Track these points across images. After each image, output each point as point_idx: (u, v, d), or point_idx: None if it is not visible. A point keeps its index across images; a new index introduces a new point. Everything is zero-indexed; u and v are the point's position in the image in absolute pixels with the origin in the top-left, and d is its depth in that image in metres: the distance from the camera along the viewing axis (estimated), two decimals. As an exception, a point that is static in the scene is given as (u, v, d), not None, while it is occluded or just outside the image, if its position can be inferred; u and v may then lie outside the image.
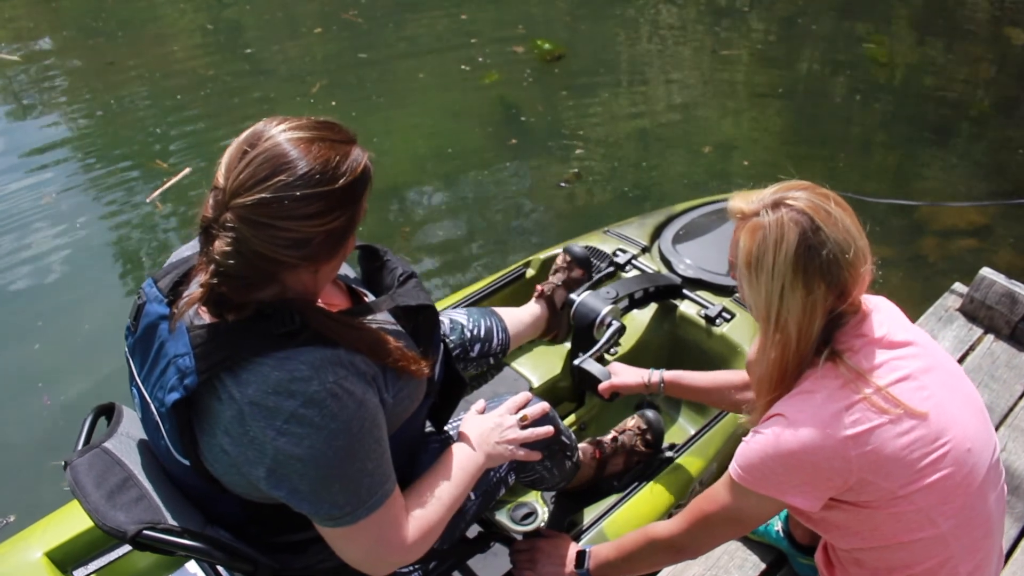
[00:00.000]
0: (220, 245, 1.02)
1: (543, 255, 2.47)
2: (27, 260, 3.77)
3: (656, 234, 2.50)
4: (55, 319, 3.40)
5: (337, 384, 1.06)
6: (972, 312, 2.44)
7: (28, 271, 3.71)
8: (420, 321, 1.29)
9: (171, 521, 1.16)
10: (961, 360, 2.30)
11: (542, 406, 1.51)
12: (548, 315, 2.19)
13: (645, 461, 1.98)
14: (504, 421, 1.44)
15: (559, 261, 2.30)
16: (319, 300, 1.20)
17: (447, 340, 1.84)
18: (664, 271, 2.32)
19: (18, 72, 5.63)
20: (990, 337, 2.38)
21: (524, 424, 1.46)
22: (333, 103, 5.05)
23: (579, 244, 2.42)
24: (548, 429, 1.49)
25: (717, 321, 2.14)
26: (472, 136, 4.68)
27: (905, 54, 5.80)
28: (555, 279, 2.25)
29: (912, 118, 4.88)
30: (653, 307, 2.25)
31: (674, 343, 2.24)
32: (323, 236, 1.06)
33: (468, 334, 1.92)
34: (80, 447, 1.29)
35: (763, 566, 1.74)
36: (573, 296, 2.08)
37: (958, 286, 2.56)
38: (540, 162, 4.43)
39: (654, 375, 1.84)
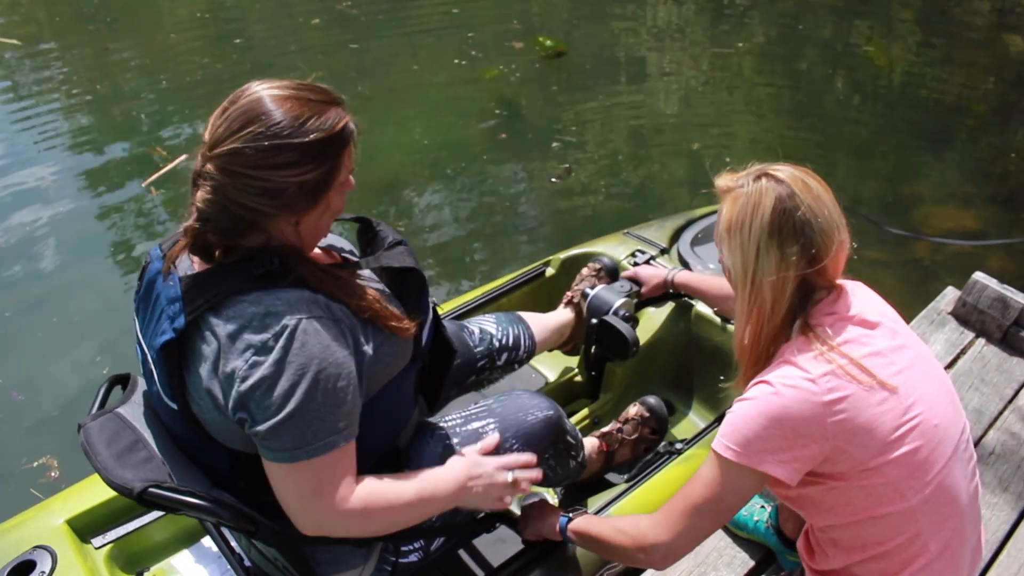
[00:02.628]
0: (202, 194, 1.10)
1: (563, 255, 2.48)
2: (23, 242, 3.77)
3: (675, 236, 2.52)
4: (48, 301, 3.41)
5: (308, 322, 1.10)
6: (964, 316, 2.45)
7: (24, 253, 3.71)
8: (407, 284, 1.32)
9: (177, 483, 1.19)
10: (952, 363, 2.31)
11: (534, 475, 1.44)
12: (575, 322, 2.19)
13: (652, 448, 1.99)
14: (496, 476, 1.38)
15: (587, 270, 2.29)
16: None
17: (475, 350, 1.85)
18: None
19: (17, 55, 5.61)
20: (981, 341, 2.39)
21: (515, 484, 1.40)
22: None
23: (603, 244, 2.43)
24: (536, 475, 1.45)
25: (732, 321, 2.15)
26: (469, 131, 4.68)
27: (904, 58, 5.82)
28: (583, 287, 2.23)
29: (909, 121, 4.89)
30: (670, 305, 2.26)
31: (689, 341, 2.25)
32: (295, 187, 1.11)
33: (496, 343, 1.91)
34: (94, 411, 1.33)
35: (752, 563, 1.75)
36: (588, 290, 2.14)
37: (950, 290, 2.57)
38: (538, 158, 4.43)
39: (669, 273, 2.13)
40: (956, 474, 1.22)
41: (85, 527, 1.70)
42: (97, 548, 1.68)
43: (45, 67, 5.49)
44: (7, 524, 1.70)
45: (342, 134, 1.14)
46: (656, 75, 5.52)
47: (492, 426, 1.50)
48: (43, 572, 1.56)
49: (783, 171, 1.21)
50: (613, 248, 2.43)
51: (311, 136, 1.09)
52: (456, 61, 5.42)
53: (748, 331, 1.25)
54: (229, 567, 1.65)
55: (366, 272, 1.30)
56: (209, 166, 1.10)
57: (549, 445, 1.56)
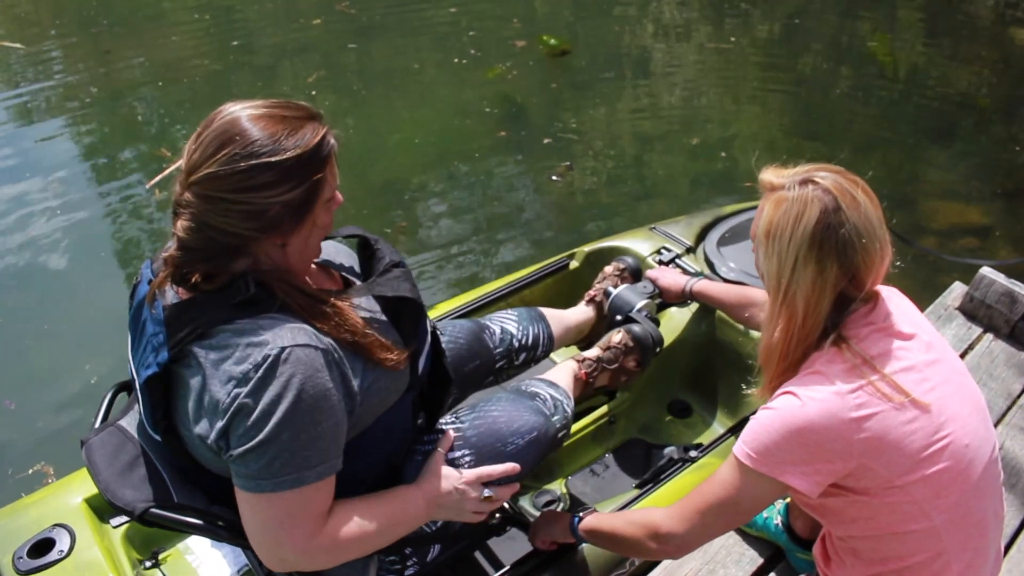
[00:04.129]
0: (182, 223, 1.07)
1: (588, 248, 2.47)
2: (20, 247, 3.77)
3: (702, 235, 2.49)
4: (53, 305, 3.41)
5: (291, 351, 1.06)
6: (972, 311, 2.44)
7: (20, 258, 3.71)
8: (403, 311, 1.27)
9: (177, 499, 1.18)
10: (960, 358, 2.31)
11: (510, 488, 1.40)
12: (595, 320, 2.17)
13: (632, 380, 2.00)
14: (467, 492, 1.33)
15: (610, 268, 2.26)
16: (306, 279, 1.21)
17: (494, 351, 1.83)
18: (707, 272, 2.31)
19: (20, 58, 5.63)
20: (989, 336, 2.38)
21: (488, 500, 1.36)
22: (329, 93, 5.04)
23: (628, 239, 2.42)
24: (514, 487, 1.41)
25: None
26: (471, 130, 4.67)
27: (908, 52, 5.79)
28: (604, 285, 2.20)
29: (914, 116, 4.87)
30: (693, 307, 2.24)
31: (711, 343, 2.23)
32: (278, 208, 1.08)
33: (516, 343, 1.88)
34: (98, 424, 1.32)
35: (761, 561, 1.74)
36: (611, 289, 2.14)
37: (958, 285, 2.56)
38: (540, 156, 4.42)
39: (688, 282, 2.12)
40: (983, 494, 1.19)
41: (104, 506, 1.70)
42: (115, 528, 1.69)
43: (48, 70, 5.50)
44: (27, 500, 1.71)
45: (320, 149, 1.10)
46: (661, 72, 5.51)
47: (468, 458, 1.41)
48: (62, 550, 1.57)
49: (831, 179, 1.16)
50: (639, 243, 2.41)
51: (288, 153, 1.06)
52: (457, 60, 5.41)
53: (777, 339, 1.21)
54: (242, 550, 1.65)
55: (362, 299, 1.25)
56: (187, 194, 1.07)
57: (540, 457, 1.51)
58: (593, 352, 1.97)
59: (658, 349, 2.05)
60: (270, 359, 1.05)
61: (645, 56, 5.76)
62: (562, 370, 1.87)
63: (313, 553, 1.13)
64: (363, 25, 5.99)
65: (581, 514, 1.52)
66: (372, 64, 5.48)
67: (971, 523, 1.19)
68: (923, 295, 2.70)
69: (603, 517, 1.48)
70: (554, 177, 4.24)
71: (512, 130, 4.65)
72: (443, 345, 1.45)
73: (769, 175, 1.21)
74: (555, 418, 1.55)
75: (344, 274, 1.36)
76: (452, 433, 1.40)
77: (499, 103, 4.92)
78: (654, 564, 1.72)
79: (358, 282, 1.36)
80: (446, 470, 1.33)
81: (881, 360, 1.15)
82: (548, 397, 1.59)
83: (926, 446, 1.13)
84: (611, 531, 1.42)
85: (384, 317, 1.26)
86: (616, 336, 1.98)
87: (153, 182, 4.15)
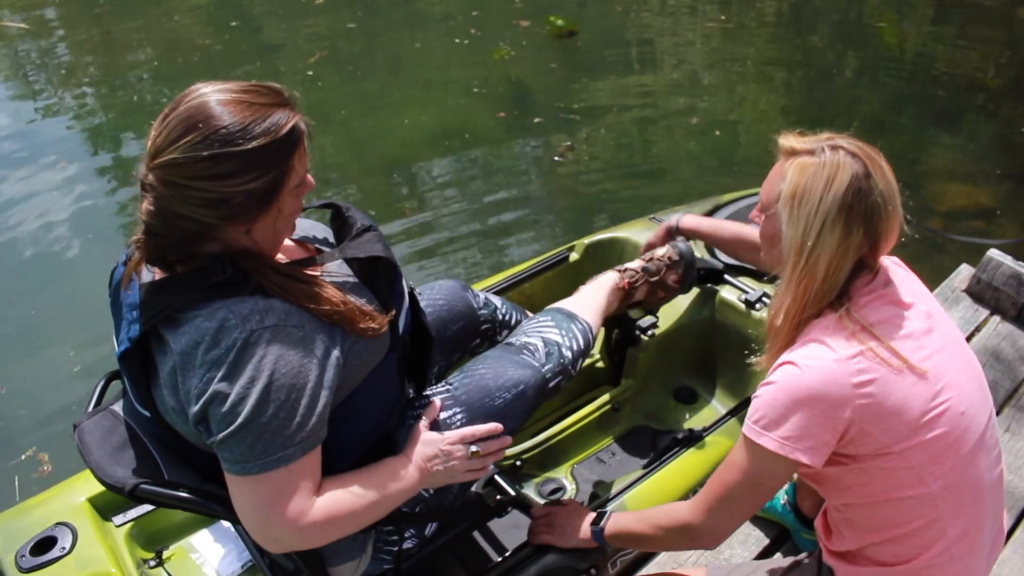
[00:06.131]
0: (146, 205, 1.06)
1: (587, 240, 2.44)
2: (26, 227, 3.77)
3: None
4: (48, 289, 3.41)
5: (260, 333, 1.06)
6: (979, 293, 2.44)
7: (26, 238, 3.72)
8: (377, 273, 1.26)
9: (168, 477, 1.19)
10: (967, 341, 2.31)
11: (500, 443, 1.39)
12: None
13: (669, 298, 1.94)
14: (454, 451, 1.32)
15: (662, 253, 1.99)
16: (277, 255, 1.20)
17: (478, 312, 1.77)
18: (707, 257, 2.30)
19: (24, 39, 5.61)
20: (996, 318, 2.38)
21: (476, 455, 1.35)
22: (331, 74, 5.02)
23: (628, 229, 2.38)
24: (505, 440, 1.41)
25: (757, 306, 2.13)
26: (474, 110, 4.66)
27: (916, 34, 5.75)
28: (646, 265, 1.94)
29: (921, 98, 4.84)
30: (693, 292, 2.23)
31: (713, 327, 2.23)
32: (242, 196, 1.06)
33: (501, 316, 1.83)
34: (91, 409, 1.33)
35: (767, 541, 1.75)
36: (679, 244, 2.00)
37: (964, 267, 2.56)
38: (543, 137, 4.41)
39: (672, 219, 1.97)
40: (979, 461, 1.20)
41: (106, 505, 1.72)
42: (118, 526, 1.70)
43: (52, 50, 5.48)
44: (31, 502, 1.73)
45: (290, 137, 1.08)
46: (666, 52, 5.47)
47: (459, 416, 1.40)
48: (63, 548, 1.58)
49: (858, 147, 1.17)
50: (638, 233, 2.40)
51: (254, 143, 1.04)
52: (459, 41, 5.38)
53: (789, 303, 1.21)
54: (245, 547, 1.66)
55: (335, 264, 1.24)
56: (151, 177, 1.05)
57: (532, 408, 1.49)
58: (636, 263, 1.92)
59: (700, 273, 2.00)
60: (239, 342, 1.05)
61: (650, 36, 5.72)
62: (594, 288, 1.80)
63: (306, 530, 1.12)
64: (366, 5, 5.95)
65: (603, 523, 1.52)
66: (374, 44, 5.45)
67: (967, 489, 1.20)
68: (930, 278, 2.69)
69: (626, 519, 1.48)
70: (557, 157, 4.23)
71: (515, 110, 4.63)
72: (423, 307, 1.44)
73: (791, 140, 1.21)
74: (546, 368, 1.52)
75: (319, 246, 1.35)
76: (438, 401, 1.40)
77: (503, 84, 4.90)
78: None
79: (328, 250, 1.34)
80: (429, 434, 1.33)
81: (880, 327, 1.16)
82: (540, 346, 1.55)
83: (924, 412, 1.14)
84: (640, 533, 1.43)
85: (357, 280, 1.25)
86: (661, 250, 1.94)
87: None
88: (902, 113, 4.68)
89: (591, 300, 1.75)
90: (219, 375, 1.04)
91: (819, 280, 1.17)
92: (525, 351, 1.53)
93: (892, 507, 1.21)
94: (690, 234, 1.97)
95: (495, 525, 1.85)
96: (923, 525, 1.21)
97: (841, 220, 1.14)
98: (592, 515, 1.57)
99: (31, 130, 4.57)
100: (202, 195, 1.04)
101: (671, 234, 1.98)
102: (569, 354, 1.58)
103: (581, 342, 1.62)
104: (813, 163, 1.16)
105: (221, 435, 1.06)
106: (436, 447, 1.31)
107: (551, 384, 1.52)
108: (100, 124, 4.67)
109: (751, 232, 1.81)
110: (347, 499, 1.17)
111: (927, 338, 1.19)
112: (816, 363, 1.14)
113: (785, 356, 1.19)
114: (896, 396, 1.13)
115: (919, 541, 1.22)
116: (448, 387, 1.44)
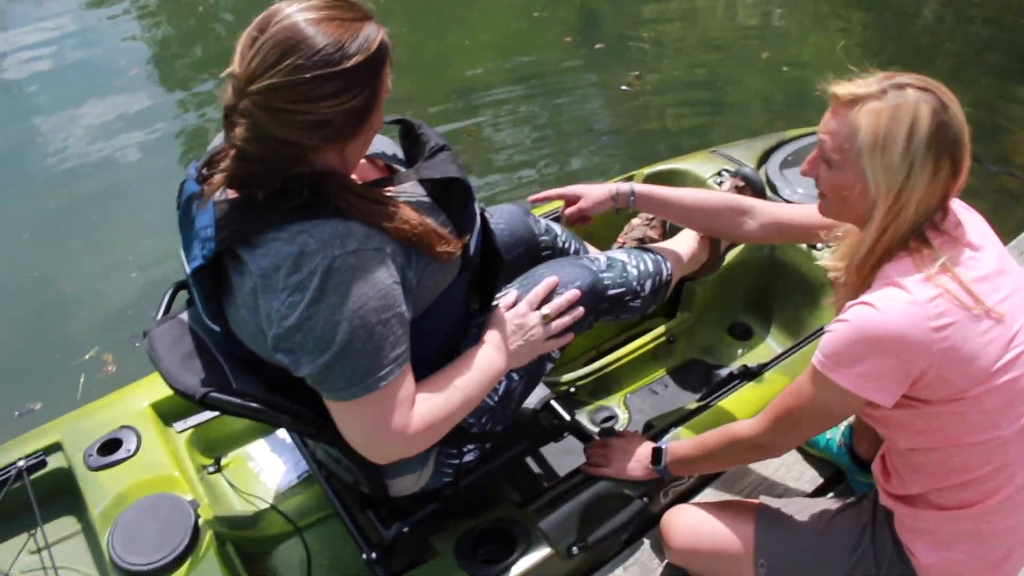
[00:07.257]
0: (240, 132, 1.03)
1: (647, 170, 2.38)
2: (89, 134, 3.84)
3: (764, 158, 2.41)
4: (120, 196, 3.48)
5: (343, 259, 1.06)
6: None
7: (90, 146, 3.78)
8: (451, 193, 1.25)
9: (236, 387, 1.21)
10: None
11: (568, 297, 1.43)
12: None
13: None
14: (527, 321, 1.38)
15: (729, 185, 2.07)
16: (353, 176, 1.20)
17: (539, 238, 1.77)
18: (770, 194, 2.23)
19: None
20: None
21: (548, 319, 1.41)
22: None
23: (689, 162, 2.33)
24: (578, 312, 1.43)
25: (819, 247, 2.09)
26: (539, 36, 4.56)
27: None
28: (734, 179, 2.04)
29: (1005, 45, 4.58)
30: None
31: (772, 265, 2.19)
32: (342, 116, 1.05)
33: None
34: (159, 318, 1.35)
35: (820, 480, 1.74)
36: (746, 170, 2.02)
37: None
38: (611, 65, 4.30)
39: (623, 186, 1.72)
40: None
41: (168, 412, 1.77)
42: (179, 432, 1.76)
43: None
44: (96, 404, 1.79)
45: (380, 51, 1.07)
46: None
47: None
48: (128, 449, 1.64)
49: (923, 81, 1.14)
50: (699, 166, 2.34)
51: (352, 61, 1.03)
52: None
53: (871, 245, 1.18)
54: (301, 458, 1.70)
55: (409, 184, 1.22)
56: (245, 102, 1.02)
57: (589, 312, 1.51)
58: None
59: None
60: (321, 268, 1.05)
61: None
62: (678, 237, 1.83)
63: (413, 440, 1.17)
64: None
65: (664, 446, 1.54)
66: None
67: None
68: (1006, 231, 2.59)
69: (686, 447, 1.51)
70: (624, 87, 4.14)
71: (582, 36, 4.52)
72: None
73: (848, 87, 1.17)
74: (605, 275, 1.55)
75: (388, 163, 1.35)
76: (502, 302, 1.43)
77: (570, 9, 4.78)
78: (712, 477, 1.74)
79: (400, 168, 1.34)
80: (497, 315, 1.37)
81: (957, 268, 1.14)
82: (603, 259, 1.58)
83: (1000, 355, 1.13)
84: (701, 456, 1.46)
85: (431, 201, 1.24)
86: (727, 183, 1.92)
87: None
88: (981, 59, 4.44)
89: (669, 243, 1.76)
90: (304, 300, 1.05)
91: (909, 220, 1.15)
92: (586, 259, 1.57)
93: (962, 452, 1.19)
94: (642, 206, 1.74)
95: (547, 451, 1.87)
96: (992, 471, 1.19)
97: (931, 157, 1.11)
98: (649, 445, 1.58)
99: (103, 38, 4.61)
100: (305, 118, 1.03)
101: (616, 201, 1.74)
102: (634, 272, 1.60)
103: (651, 267, 1.64)
104: (886, 107, 1.12)
105: (317, 365, 1.08)
106: (509, 325, 1.36)
107: (610, 292, 1.55)
108: (168, 36, 4.69)
109: (716, 199, 1.69)
110: (442, 400, 1.21)
111: (1000, 279, 1.17)
112: (894, 305, 1.12)
113: (862, 298, 1.16)
114: (974, 340, 1.11)
115: (986, 487, 1.20)
116: (509, 291, 1.48)
